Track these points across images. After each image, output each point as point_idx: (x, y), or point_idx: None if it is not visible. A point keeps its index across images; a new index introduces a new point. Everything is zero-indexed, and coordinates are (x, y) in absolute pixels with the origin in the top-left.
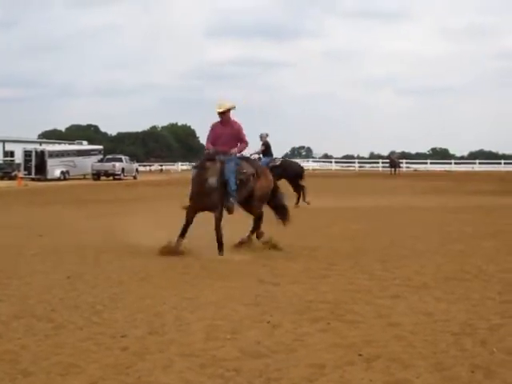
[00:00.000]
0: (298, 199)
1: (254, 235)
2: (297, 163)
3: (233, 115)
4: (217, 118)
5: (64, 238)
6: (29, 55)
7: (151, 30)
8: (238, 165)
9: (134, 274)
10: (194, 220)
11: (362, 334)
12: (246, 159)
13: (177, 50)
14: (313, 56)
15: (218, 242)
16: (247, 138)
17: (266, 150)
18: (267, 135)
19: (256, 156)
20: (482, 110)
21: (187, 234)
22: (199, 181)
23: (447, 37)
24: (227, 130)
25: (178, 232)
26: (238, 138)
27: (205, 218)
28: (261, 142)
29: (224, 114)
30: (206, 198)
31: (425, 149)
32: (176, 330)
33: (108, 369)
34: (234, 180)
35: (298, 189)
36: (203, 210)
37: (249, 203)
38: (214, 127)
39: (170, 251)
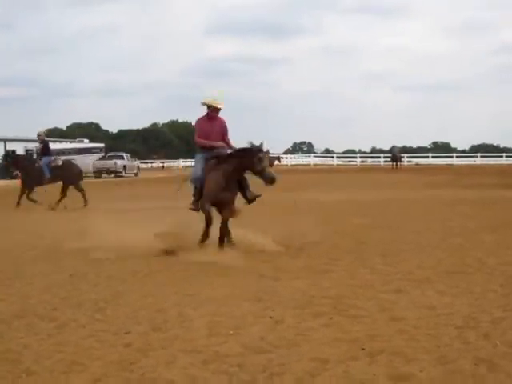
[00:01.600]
0: (85, 200)
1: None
2: (77, 166)
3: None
4: (203, 113)
5: (65, 237)
6: (30, 55)
7: (150, 28)
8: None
9: (136, 272)
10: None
11: (365, 329)
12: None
13: (176, 47)
14: (312, 52)
15: (221, 238)
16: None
17: (45, 148)
18: (45, 133)
19: None
20: (483, 104)
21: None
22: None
23: (447, 32)
24: (216, 126)
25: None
26: (225, 135)
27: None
28: (39, 141)
29: (218, 111)
30: (227, 194)
31: (426, 143)
32: (179, 326)
33: (111, 366)
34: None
35: (80, 191)
36: (219, 206)
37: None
38: (201, 122)
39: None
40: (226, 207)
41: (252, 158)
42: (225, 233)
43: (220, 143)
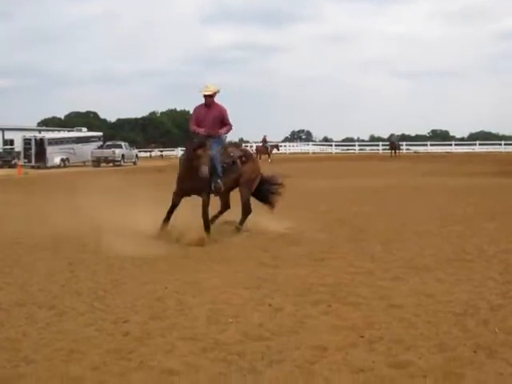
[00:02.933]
0: None
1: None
2: None
3: (217, 99)
4: (201, 101)
5: (64, 226)
6: (28, 44)
7: (149, 16)
8: (224, 148)
9: (134, 260)
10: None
11: (364, 316)
12: (234, 144)
13: (175, 35)
14: (311, 40)
15: (204, 225)
16: (231, 121)
17: None
18: None
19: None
20: (482, 92)
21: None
22: (190, 167)
23: (447, 18)
24: (212, 113)
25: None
26: (223, 121)
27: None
28: None
29: (210, 97)
30: (195, 183)
31: (425, 131)
32: (178, 314)
33: (110, 354)
34: (219, 161)
35: None
36: (190, 194)
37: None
38: (198, 110)
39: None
40: (200, 195)
41: (193, 152)
42: (206, 219)
43: (202, 130)
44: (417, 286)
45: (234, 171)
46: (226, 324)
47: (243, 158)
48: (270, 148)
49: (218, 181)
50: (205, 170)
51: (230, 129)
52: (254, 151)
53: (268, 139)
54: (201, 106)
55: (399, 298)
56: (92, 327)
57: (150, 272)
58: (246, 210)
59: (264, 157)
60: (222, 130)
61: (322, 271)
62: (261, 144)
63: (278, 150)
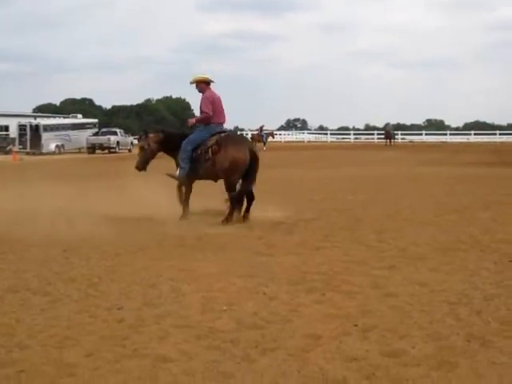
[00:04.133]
0: None
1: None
2: None
3: (214, 88)
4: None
5: (58, 212)
6: (23, 30)
7: (145, 3)
8: (211, 135)
9: (129, 247)
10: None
11: (358, 305)
12: (222, 132)
13: (171, 23)
14: (307, 29)
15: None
16: (206, 110)
17: None
18: None
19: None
20: (478, 82)
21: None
22: None
23: (442, 8)
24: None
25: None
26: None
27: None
28: None
29: (197, 86)
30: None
31: (420, 120)
32: (172, 301)
33: (104, 341)
34: (184, 150)
35: None
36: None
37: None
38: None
39: None
40: None
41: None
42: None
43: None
44: (411, 275)
45: (205, 161)
46: (220, 312)
47: (214, 147)
48: (265, 136)
49: (177, 172)
50: (137, 162)
51: (202, 118)
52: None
53: (265, 128)
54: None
55: (393, 286)
56: (86, 314)
57: (145, 259)
58: (231, 200)
59: (259, 145)
60: (191, 120)
61: (317, 260)
62: (256, 132)
63: (273, 137)
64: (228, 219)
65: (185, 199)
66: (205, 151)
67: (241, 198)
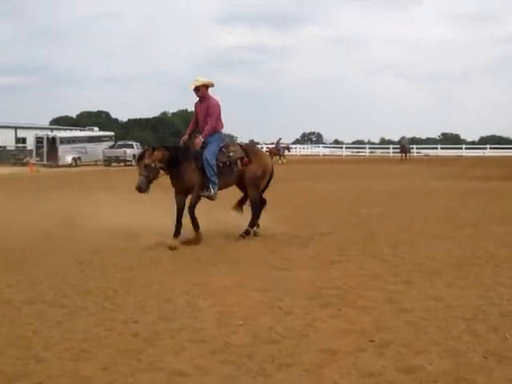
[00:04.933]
0: None
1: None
2: None
3: (212, 93)
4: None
5: (74, 225)
6: (40, 42)
7: (161, 16)
8: (226, 146)
9: (144, 260)
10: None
11: (374, 320)
12: (240, 143)
13: (187, 36)
14: (321, 42)
15: (192, 223)
16: (213, 120)
17: None
18: None
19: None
20: (493, 95)
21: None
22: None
23: (456, 21)
24: (204, 107)
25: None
26: (207, 116)
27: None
28: None
29: (198, 91)
30: (180, 183)
31: (435, 134)
32: (187, 315)
33: (119, 354)
34: (212, 164)
35: None
36: (186, 194)
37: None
38: (195, 106)
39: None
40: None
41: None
42: (191, 217)
43: (185, 136)
44: (426, 289)
45: (231, 172)
46: (235, 326)
47: (244, 159)
48: (282, 150)
49: (210, 187)
50: (141, 181)
51: (210, 130)
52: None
53: (282, 141)
54: (197, 102)
55: (409, 302)
56: (102, 327)
57: (159, 273)
58: (255, 209)
59: (276, 158)
60: (201, 136)
61: (332, 274)
62: (274, 146)
63: (289, 151)
64: (248, 231)
65: (192, 209)
66: (231, 163)
67: (261, 208)
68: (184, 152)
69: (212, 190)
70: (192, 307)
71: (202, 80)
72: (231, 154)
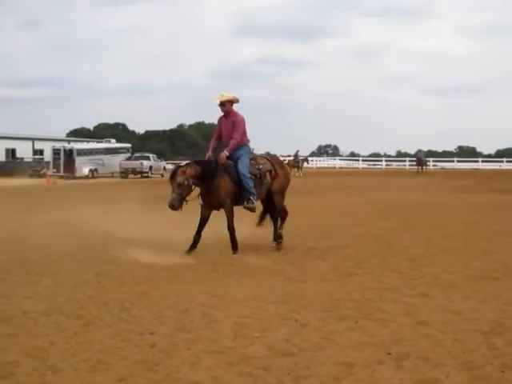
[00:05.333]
0: None
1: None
2: None
3: (237, 108)
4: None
5: (91, 236)
6: (57, 55)
7: (177, 29)
8: (254, 158)
9: (161, 271)
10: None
11: (391, 333)
12: (266, 155)
13: (203, 49)
14: (338, 54)
15: (231, 241)
16: (238, 135)
17: None
18: None
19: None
20: (509, 108)
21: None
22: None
23: (472, 34)
24: (228, 122)
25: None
26: (233, 132)
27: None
28: None
29: (223, 106)
30: (212, 198)
31: (452, 147)
32: (204, 327)
33: (136, 366)
34: (248, 176)
35: None
36: (215, 208)
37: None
38: (219, 121)
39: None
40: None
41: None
42: (231, 235)
43: (209, 153)
44: (444, 302)
45: (261, 185)
46: (252, 338)
47: (273, 172)
48: (301, 162)
49: (251, 198)
50: (173, 199)
51: (235, 144)
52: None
53: (300, 153)
54: (222, 117)
55: (426, 314)
56: (118, 338)
57: (176, 284)
58: (283, 214)
59: (294, 170)
60: (226, 150)
61: (349, 287)
62: (292, 158)
63: (308, 163)
64: (281, 237)
65: (232, 227)
66: (261, 175)
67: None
68: (215, 166)
69: (253, 200)
70: (209, 318)
71: (228, 95)
72: (261, 166)
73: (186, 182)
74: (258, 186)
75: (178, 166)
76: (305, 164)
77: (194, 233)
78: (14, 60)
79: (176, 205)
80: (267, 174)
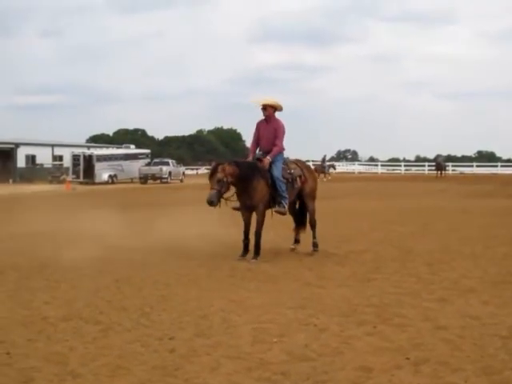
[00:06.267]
0: None
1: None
2: None
3: (278, 115)
4: (262, 117)
5: (111, 242)
6: (77, 61)
7: (196, 35)
8: (286, 163)
9: (180, 277)
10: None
11: (410, 338)
12: (296, 160)
13: (222, 54)
14: (356, 60)
15: (255, 245)
16: (281, 142)
17: None
18: None
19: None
20: None
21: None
22: (241, 184)
23: (490, 39)
24: (268, 128)
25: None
26: (275, 138)
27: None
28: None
29: (265, 110)
30: (247, 200)
31: (471, 152)
32: (223, 332)
33: (155, 371)
34: (282, 181)
35: None
36: (252, 211)
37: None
38: (258, 126)
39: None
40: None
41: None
42: (257, 240)
43: (250, 157)
44: (462, 307)
45: (293, 189)
46: (270, 343)
47: (302, 178)
48: (327, 168)
49: (282, 202)
50: (212, 195)
51: (279, 150)
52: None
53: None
54: (262, 121)
55: (445, 319)
56: (138, 343)
57: (196, 289)
58: (313, 222)
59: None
60: (267, 160)
61: (368, 292)
62: (319, 163)
63: (335, 169)
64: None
65: (260, 232)
66: (292, 180)
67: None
68: (253, 168)
69: (285, 204)
70: (228, 324)
71: (271, 100)
72: (292, 171)
73: (224, 179)
74: (290, 189)
75: (218, 163)
76: (331, 170)
77: (243, 238)
78: (34, 67)
79: (214, 201)
80: (298, 178)
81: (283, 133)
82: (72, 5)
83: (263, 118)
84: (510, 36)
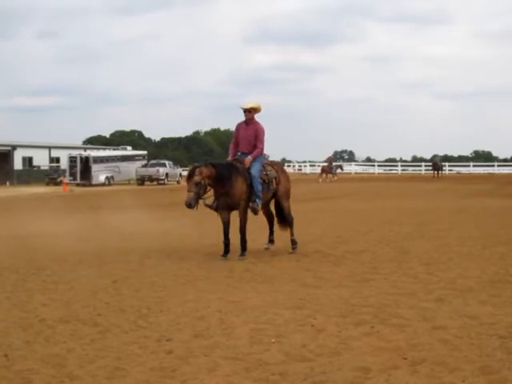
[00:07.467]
0: None
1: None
2: None
3: (257, 117)
4: (242, 119)
5: (108, 243)
6: (74, 63)
7: (192, 36)
8: (262, 165)
9: (177, 278)
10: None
11: (407, 338)
12: (271, 162)
13: (219, 57)
14: (353, 61)
15: (241, 242)
16: (262, 144)
17: None
18: None
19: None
20: None
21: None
22: (218, 185)
23: (486, 39)
24: (248, 131)
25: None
26: (256, 140)
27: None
28: None
29: (249, 113)
30: (227, 200)
31: (467, 152)
32: (221, 333)
33: (153, 372)
34: (259, 181)
35: None
36: (231, 210)
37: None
38: (238, 127)
39: None
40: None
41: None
42: (242, 237)
43: (230, 158)
44: (460, 307)
45: (268, 190)
46: (268, 344)
47: (277, 179)
48: (334, 168)
49: (256, 201)
50: (190, 198)
51: (260, 153)
52: (320, 171)
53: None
54: (242, 123)
55: (442, 319)
56: (135, 345)
57: (193, 290)
58: (290, 220)
59: (329, 176)
60: (249, 158)
61: (365, 292)
62: (326, 164)
63: (342, 170)
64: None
65: (244, 229)
66: (268, 181)
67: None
68: (230, 169)
69: (258, 203)
70: (225, 325)
71: (253, 103)
72: (268, 172)
73: (202, 182)
74: (265, 190)
75: (195, 166)
76: (338, 170)
77: (223, 239)
78: (30, 69)
79: (192, 203)
80: (273, 180)
81: (264, 135)
82: (69, 6)
83: (243, 119)
84: (507, 36)
